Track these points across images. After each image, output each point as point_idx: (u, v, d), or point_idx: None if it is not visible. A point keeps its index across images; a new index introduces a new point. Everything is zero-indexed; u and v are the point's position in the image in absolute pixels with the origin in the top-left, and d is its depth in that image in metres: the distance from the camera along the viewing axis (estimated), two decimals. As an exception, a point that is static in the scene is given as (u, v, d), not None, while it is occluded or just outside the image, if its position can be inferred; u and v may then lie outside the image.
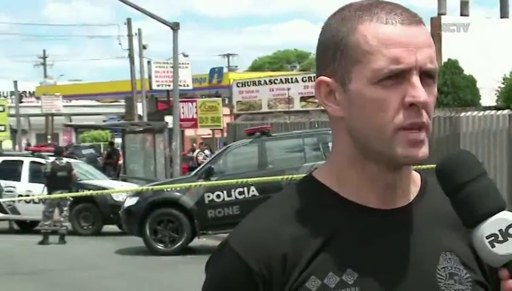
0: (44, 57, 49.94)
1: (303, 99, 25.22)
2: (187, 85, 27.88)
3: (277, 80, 26.91)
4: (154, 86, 28.59)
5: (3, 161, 16.96)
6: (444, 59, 18.26)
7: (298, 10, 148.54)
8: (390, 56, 1.14)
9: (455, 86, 17.54)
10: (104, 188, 15.75)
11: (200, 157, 23.18)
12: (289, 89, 25.32)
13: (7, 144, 32.39)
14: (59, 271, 11.32)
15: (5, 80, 41.98)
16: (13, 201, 16.05)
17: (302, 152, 12.79)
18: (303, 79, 25.77)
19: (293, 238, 1.18)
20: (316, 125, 16.55)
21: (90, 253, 13.15)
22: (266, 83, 26.74)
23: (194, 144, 26.99)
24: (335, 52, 1.18)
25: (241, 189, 12.06)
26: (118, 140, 29.35)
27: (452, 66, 17.91)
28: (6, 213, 16.31)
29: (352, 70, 1.17)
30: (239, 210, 11.74)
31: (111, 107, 46.13)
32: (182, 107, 24.88)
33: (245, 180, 11.86)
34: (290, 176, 10.93)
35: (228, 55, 57.45)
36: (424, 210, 1.24)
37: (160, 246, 12.33)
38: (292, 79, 26.68)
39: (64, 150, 17.15)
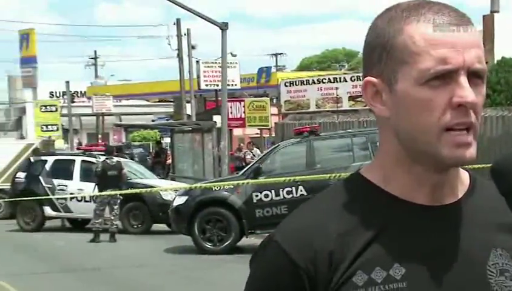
0: (95, 58, 50.69)
1: (351, 98, 25.06)
2: (235, 85, 28.00)
3: (325, 79, 26.79)
4: (202, 86, 28.80)
5: (56, 160, 17.27)
6: (498, 57, 17.92)
7: (346, 9, 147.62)
8: (438, 56, 1.13)
9: (508, 85, 17.20)
10: (153, 187, 15.90)
11: (248, 157, 23.23)
12: (337, 88, 25.20)
13: (59, 143, 33.01)
14: (109, 269, 11.49)
15: (58, 80, 42.77)
16: (65, 199, 16.36)
17: (350, 151, 12.71)
18: (351, 78, 25.62)
19: (339, 234, 1.18)
20: (365, 125, 16.44)
21: (139, 252, 13.31)
22: (314, 83, 26.65)
23: (241, 144, 27.07)
24: (382, 53, 1.18)
25: (289, 188, 12.06)
26: (167, 140, 29.65)
27: (506, 64, 17.57)
28: (59, 211, 16.63)
29: (398, 71, 1.16)
30: (287, 209, 11.73)
31: (160, 106, 46.58)
32: (231, 107, 24.98)
33: (293, 178, 11.86)
34: (338, 175, 10.88)
35: (276, 54, 57.41)
36: (474, 207, 1.23)
37: (208, 245, 12.40)
38: (340, 78, 26.54)
39: (115, 149, 17.35)
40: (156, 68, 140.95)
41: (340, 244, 1.17)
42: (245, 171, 13.08)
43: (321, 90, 26.23)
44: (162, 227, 15.74)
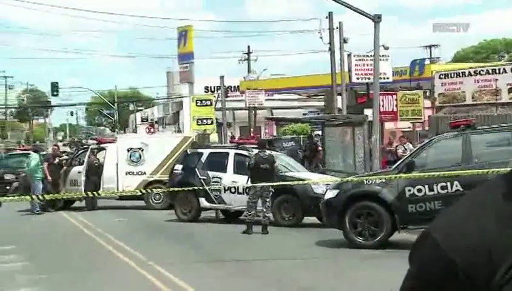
0: (248, 53, 51.71)
1: (511, 90, 23.91)
2: (387, 78, 27.54)
3: (483, 71, 25.71)
4: (354, 79, 28.57)
5: (211, 153, 17.82)
6: None
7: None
8: None
9: None
10: (304, 180, 16.00)
11: (400, 151, 22.78)
12: (496, 80, 24.12)
13: (214, 137, 34.05)
14: (260, 261, 11.68)
15: (213, 76, 44.07)
16: (219, 191, 16.86)
17: (510, 146, 12.12)
18: (511, 69, 24.46)
19: (499, 231, 1.12)
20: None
21: (290, 244, 13.44)
22: (471, 75, 25.64)
23: (390, 137, 26.58)
24: None
25: (444, 183, 11.69)
26: (318, 133, 29.72)
27: None
28: (214, 202, 17.15)
29: None
30: (442, 205, 11.39)
31: (311, 100, 46.78)
32: (382, 100, 24.63)
33: (447, 173, 11.49)
34: (497, 170, 10.40)
35: (430, 46, 55.78)
36: None
37: (360, 239, 12.30)
38: (499, 69, 25.37)
39: (267, 143, 17.60)
40: (307, 62, 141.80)
41: (500, 242, 1.11)
42: (398, 165, 12.82)
43: (478, 82, 25.20)
44: (313, 220, 15.81)
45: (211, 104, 34.84)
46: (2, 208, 18.60)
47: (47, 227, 17.39)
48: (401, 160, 13.61)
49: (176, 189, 16.13)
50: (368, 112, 22.06)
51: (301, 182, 15.59)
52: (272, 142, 26.49)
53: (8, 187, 24.67)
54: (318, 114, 38.08)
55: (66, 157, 22.82)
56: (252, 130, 41.84)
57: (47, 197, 16.50)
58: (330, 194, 12.79)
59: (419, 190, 11.85)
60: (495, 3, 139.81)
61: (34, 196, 18.87)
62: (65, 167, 21.82)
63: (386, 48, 29.24)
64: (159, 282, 9.60)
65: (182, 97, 49.47)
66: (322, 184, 15.44)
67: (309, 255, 11.96)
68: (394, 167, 13.19)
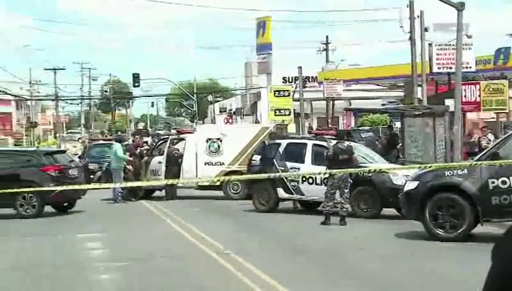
0: (327, 43, 51.41)
1: None
2: (470, 67, 26.85)
3: None
4: (435, 69, 27.97)
5: (289, 144, 17.82)
6: None
7: None
8: None
9: None
10: (383, 173, 15.82)
11: (483, 142, 22.20)
12: None
13: (291, 127, 34.03)
14: (339, 252, 11.61)
15: (290, 66, 44.07)
16: (297, 182, 16.84)
17: None
18: None
19: None
20: None
21: (369, 236, 13.32)
22: (558, 63, 24.71)
23: (471, 128, 25.92)
24: None
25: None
26: (397, 124, 29.29)
27: None
28: (291, 193, 17.16)
29: None
30: (527, 198, 11.03)
31: (389, 90, 46.11)
32: (464, 90, 24.02)
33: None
34: None
35: (515, 34, 53.94)
36: None
37: (440, 231, 12.06)
38: None
39: (346, 134, 17.39)
40: (386, 52, 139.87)
41: None
42: (480, 156, 12.49)
43: None
44: (392, 211, 15.61)
45: (289, 95, 34.80)
46: (86, 197, 19.16)
47: (128, 216, 17.82)
48: (484, 151, 13.25)
49: (254, 176, 16.20)
50: (449, 102, 21.55)
51: (379, 175, 15.40)
52: (350, 133, 26.26)
53: (92, 176, 25.37)
54: (398, 104, 37.47)
55: (147, 147, 23.28)
56: (329, 120, 41.61)
57: (131, 184, 16.88)
58: (410, 185, 12.58)
59: (503, 182, 11.51)
60: None
61: (116, 185, 19.37)
62: (146, 157, 22.27)
63: (469, 37, 28.46)
64: (237, 271, 9.68)
65: (260, 87, 49.65)
66: (401, 175, 15.20)
67: (388, 247, 11.82)
68: (476, 158, 12.85)
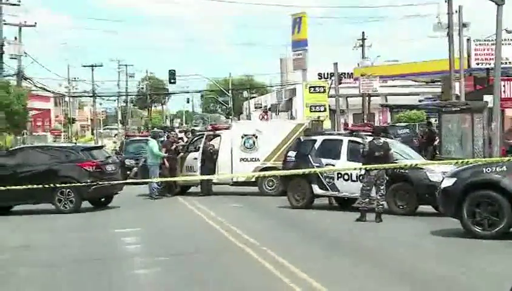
0: (363, 39, 51.08)
1: None
2: (510, 63, 26.48)
3: None
4: (473, 65, 27.68)
5: (324, 140, 17.73)
6: None
7: None
8: None
9: None
10: (420, 169, 15.67)
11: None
12: None
13: (327, 124, 33.89)
14: (375, 249, 11.52)
15: (326, 62, 43.96)
16: (333, 178, 16.76)
17: None
18: None
19: None
20: None
21: (405, 233, 13.19)
22: None
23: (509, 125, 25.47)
24: None
25: None
26: (434, 121, 28.98)
27: None
28: (327, 189, 17.07)
29: None
30: None
31: (426, 86, 45.67)
32: (504, 86, 23.66)
33: None
34: None
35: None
36: None
37: (478, 229, 11.88)
38: None
39: (382, 131, 17.18)
40: (423, 48, 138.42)
41: None
42: (519, 153, 12.30)
43: None
44: (428, 208, 15.45)
45: (324, 91, 34.65)
46: (122, 192, 19.35)
47: (164, 211, 17.93)
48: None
49: (288, 172, 16.15)
50: (488, 98, 21.26)
51: (416, 171, 15.27)
52: (387, 129, 26.08)
53: (128, 172, 25.60)
54: (435, 100, 37.08)
55: (183, 143, 23.38)
56: (365, 117, 41.37)
57: (167, 179, 16.98)
58: (447, 182, 12.43)
59: (544, 180, 11.30)
60: None
61: (153, 181, 19.50)
62: (181, 153, 22.38)
63: (510, 32, 28.05)
64: (273, 268, 9.68)
65: (296, 84, 49.55)
66: (438, 172, 15.03)
67: (426, 244, 11.70)
68: (515, 155, 12.65)
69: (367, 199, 14.74)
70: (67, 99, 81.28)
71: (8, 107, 32.39)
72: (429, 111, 33.63)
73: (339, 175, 16.73)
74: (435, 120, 29.64)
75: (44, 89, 53.74)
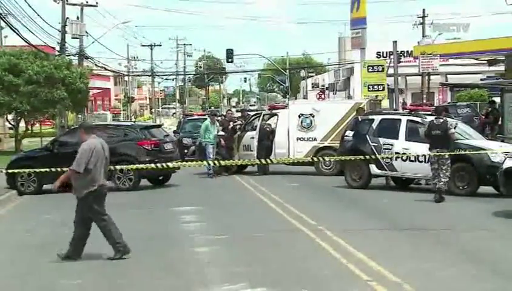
0: (423, 17, 50.13)
1: None
2: None
3: None
4: (537, 42, 26.77)
5: (382, 119, 17.50)
6: None
7: None
8: None
9: None
10: (480, 149, 15.34)
11: None
12: None
13: (385, 103, 33.47)
14: (438, 230, 11.35)
15: (385, 41, 43.29)
16: (390, 158, 16.55)
17: None
18: None
19: None
20: None
21: (466, 213, 12.98)
22: None
23: None
24: None
25: None
26: (496, 100, 28.28)
27: None
28: (384, 169, 16.88)
29: None
30: None
31: (490, 65, 44.53)
32: None
33: None
34: None
35: None
36: None
37: (541, 212, 11.60)
38: None
39: (444, 110, 16.76)
40: (486, 26, 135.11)
41: None
42: None
43: None
44: (489, 189, 15.14)
45: (383, 70, 34.14)
46: (180, 171, 19.53)
47: (221, 190, 18.04)
48: None
49: (346, 157, 16.03)
50: (554, 77, 20.62)
51: (476, 150, 14.97)
52: (447, 109, 25.58)
53: (186, 151, 25.79)
54: (498, 79, 36.17)
55: (240, 122, 23.43)
56: (424, 96, 40.67)
57: (222, 163, 17.04)
58: (510, 163, 12.15)
59: None
60: None
61: (209, 161, 19.59)
62: (238, 132, 22.44)
63: None
64: (331, 248, 9.65)
65: (354, 63, 49.04)
66: (500, 153, 14.69)
67: (489, 225, 11.47)
68: None
69: (436, 180, 14.54)
70: (126, 78, 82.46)
71: (71, 85, 32.99)
72: (492, 90, 32.84)
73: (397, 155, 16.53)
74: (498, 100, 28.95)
75: (104, 68, 54.57)
